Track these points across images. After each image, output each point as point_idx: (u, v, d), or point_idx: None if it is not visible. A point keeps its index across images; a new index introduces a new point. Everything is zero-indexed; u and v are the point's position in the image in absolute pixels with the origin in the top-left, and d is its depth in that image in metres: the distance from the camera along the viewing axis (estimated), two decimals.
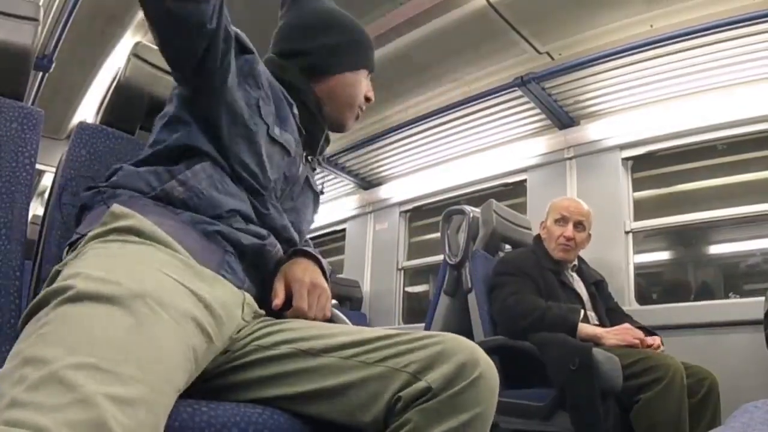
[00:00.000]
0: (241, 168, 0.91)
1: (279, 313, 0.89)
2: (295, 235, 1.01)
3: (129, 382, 0.54)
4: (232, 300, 0.80)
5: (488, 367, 0.74)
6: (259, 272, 0.91)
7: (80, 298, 0.60)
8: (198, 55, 0.84)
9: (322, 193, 1.14)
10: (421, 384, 0.71)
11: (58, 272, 0.71)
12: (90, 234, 0.75)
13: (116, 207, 0.76)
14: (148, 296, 0.62)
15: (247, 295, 0.85)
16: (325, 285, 0.93)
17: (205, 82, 0.88)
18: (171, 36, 0.83)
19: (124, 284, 0.62)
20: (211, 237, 0.83)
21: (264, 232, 0.91)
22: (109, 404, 0.50)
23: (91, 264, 0.67)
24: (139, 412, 0.53)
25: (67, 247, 0.83)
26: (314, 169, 1.12)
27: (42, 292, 0.64)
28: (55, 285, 0.63)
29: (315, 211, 1.14)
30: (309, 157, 1.09)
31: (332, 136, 1.16)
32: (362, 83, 1.12)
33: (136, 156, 0.93)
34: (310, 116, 1.05)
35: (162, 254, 0.73)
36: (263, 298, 0.90)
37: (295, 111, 1.02)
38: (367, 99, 1.14)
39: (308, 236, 1.17)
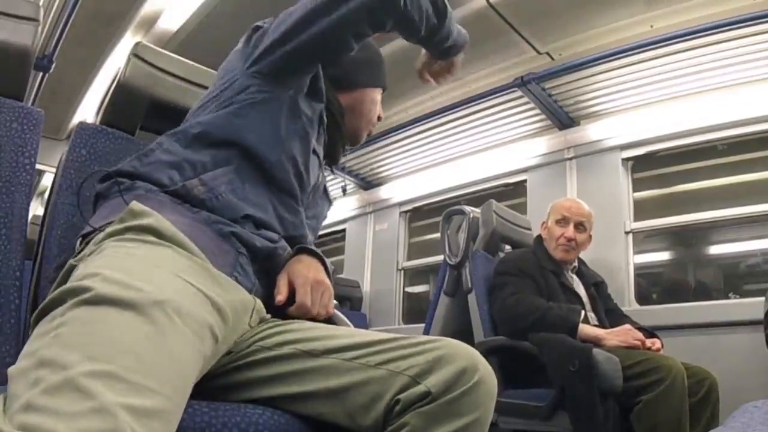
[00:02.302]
0: (291, 165, 0.94)
1: (282, 310, 0.89)
2: (310, 241, 1.03)
3: (147, 393, 0.53)
4: (243, 306, 0.80)
5: (487, 373, 0.74)
6: (268, 275, 0.91)
7: (99, 301, 0.59)
8: (319, 65, 0.97)
9: (339, 195, 1.19)
10: (420, 388, 0.71)
11: (73, 266, 0.71)
12: (108, 230, 0.74)
13: (135, 204, 0.75)
14: (167, 304, 0.61)
15: (258, 302, 0.86)
16: (328, 282, 0.94)
17: (292, 80, 0.95)
18: (328, 48, 0.93)
19: (144, 290, 0.61)
20: (226, 237, 0.83)
21: (275, 236, 0.92)
22: (127, 415, 0.50)
23: (110, 264, 0.65)
24: (156, 423, 0.53)
25: (80, 239, 0.82)
26: (325, 176, 1.16)
27: (57, 289, 0.63)
28: (71, 284, 0.62)
29: (325, 217, 1.16)
30: (327, 166, 1.13)
31: None
32: (378, 100, 1.17)
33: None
34: (335, 124, 1.08)
35: (180, 257, 0.73)
36: (270, 300, 0.90)
37: (324, 118, 1.04)
38: (378, 118, 1.19)
39: None
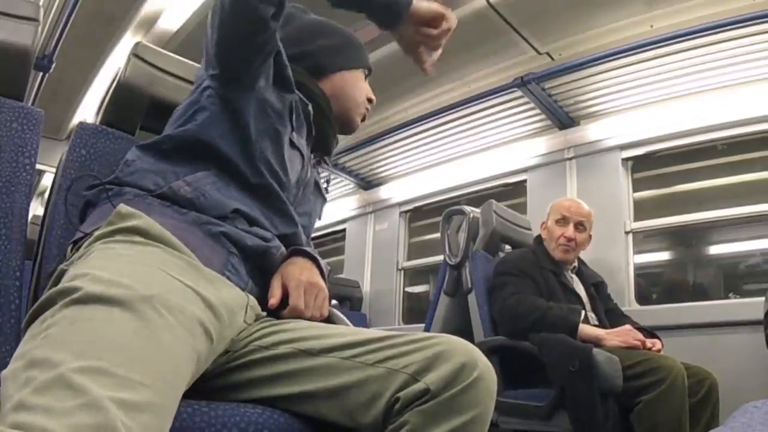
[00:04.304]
0: (265, 166, 0.93)
1: (276, 313, 0.89)
2: (304, 240, 1.02)
3: (136, 386, 0.53)
4: (236, 302, 0.80)
5: (487, 369, 0.74)
6: (262, 274, 0.91)
7: (87, 300, 0.59)
8: (255, 49, 0.90)
9: (327, 191, 1.18)
10: (419, 385, 0.71)
11: (63, 271, 0.71)
12: (96, 233, 0.75)
13: (123, 207, 0.76)
14: (156, 299, 0.62)
15: (251, 298, 0.85)
16: (323, 284, 0.93)
17: (243, 76, 0.92)
18: (240, 26, 0.87)
19: (132, 287, 0.61)
20: (216, 237, 0.83)
21: (268, 234, 0.91)
22: (117, 409, 0.50)
23: (98, 265, 0.66)
24: (146, 416, 0.53)
25: (71, 245, 0.83)
26: (319, 171, 1.15)
27: (47, 292, 0.63)
28: (61, 285, 0.63)
29: (320, 214, 1.16)
30: (318, 159, 1.12)
31: None
32: (361, 82, 1.16)
33: None
34: (322, 114, 1.08)
35: (168, 255, 0.73)
36: (266, 300, 0.90)
37: (310, 109, 1.04)
38: (370, 100, 1.17)
39: None
